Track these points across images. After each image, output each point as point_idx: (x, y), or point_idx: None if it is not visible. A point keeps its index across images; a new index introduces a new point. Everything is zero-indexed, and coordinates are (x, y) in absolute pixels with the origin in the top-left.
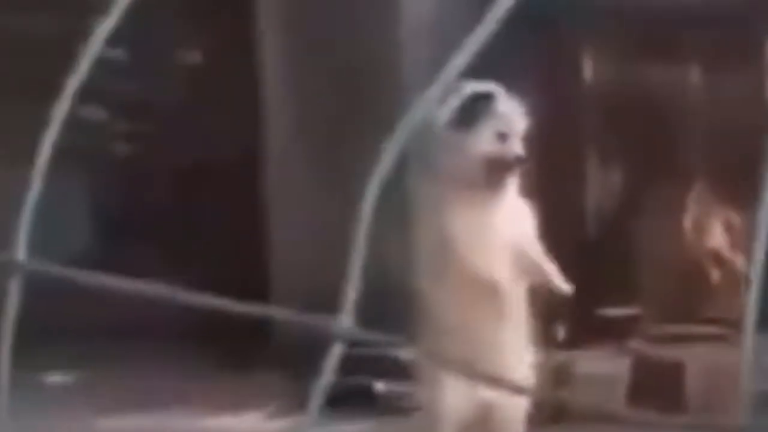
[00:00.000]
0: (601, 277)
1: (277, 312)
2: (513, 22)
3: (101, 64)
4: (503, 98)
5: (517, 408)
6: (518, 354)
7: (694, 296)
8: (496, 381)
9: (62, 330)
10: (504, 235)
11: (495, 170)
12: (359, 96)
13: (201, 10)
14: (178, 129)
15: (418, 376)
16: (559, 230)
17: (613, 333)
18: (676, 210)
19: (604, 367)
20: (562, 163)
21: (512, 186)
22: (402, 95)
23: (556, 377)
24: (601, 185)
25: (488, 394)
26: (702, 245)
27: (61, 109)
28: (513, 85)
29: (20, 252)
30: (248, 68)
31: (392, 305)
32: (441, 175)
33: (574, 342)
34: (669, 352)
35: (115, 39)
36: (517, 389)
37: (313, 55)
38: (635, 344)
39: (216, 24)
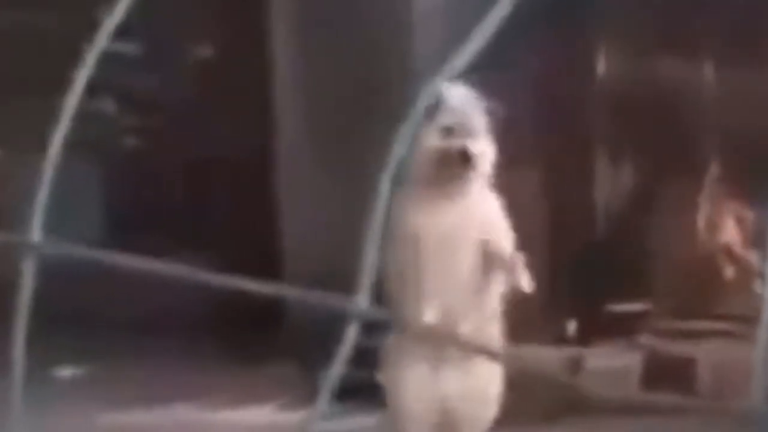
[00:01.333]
0: (613, 272)
1: (292, 291)
2: (527, 17)
3: (113, 58)
4: (455, 94)
5: (480, 409)
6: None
7: (706, 292)
8: (470, 345)
9: (73, 323)
10: (464, 230)
11: (444, 165)
12: (370, 87)
13: (212, 3)
14: (189, 122)
15: (384, 375)
16: (571, 225)
17: (624, 328)
18: (688, 205)
19: (615, 362)
20: (574, 158)
21: (474, 181)
22: (413, 86)
23: (567, 372)
24: (613, 180)
25: (450, 394)
26: (714, 241)
27: (71, 100)
28: (526, 79)
29: (35, 233)
30: (259, 61)
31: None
32: (397, 164)
33: (585, 337)
34: (680, 348)
35: (126, 33)
36: (491, 354)
37: (324, 48)
38: (646, 340)
39: (227, 17)
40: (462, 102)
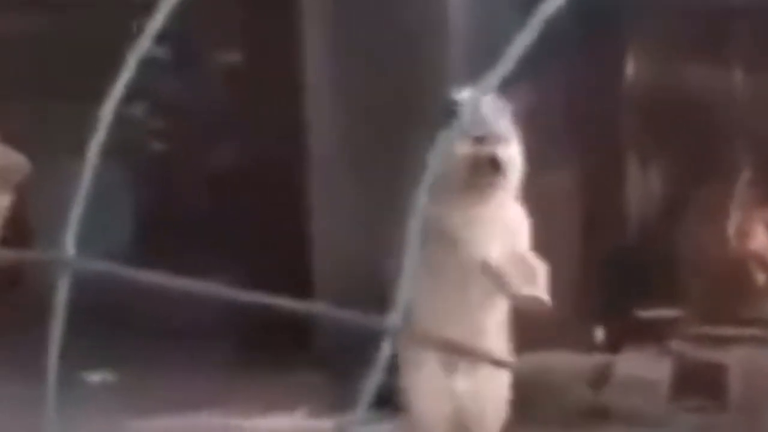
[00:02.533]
0: (643, 278)
1: (328, 310)
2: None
3: (142, 62)
4: (483, 102)
5: (494, 412)
6: (498, 345)
7: (736, 298)
8: (476, 352)
9: (104, 328)
10: (491, 236)
11: (474, 172)
12: (403, 94)
13: (243, 8)
14: (219, 128)
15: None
16: (600, 231)
17: (654, 334)
18: (718, 211)
19: (645, 368)
20: (604, 163)
21: (503, 188)
22: (447, 92)
23: (596, 379)
24: (643, 187)
25: (465, 397)
26: (744, 247)
27: (108, 109)
28: (557, 86)
29: (69, 248)
30: (290, 67)
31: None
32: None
33: (615, 344)
34: (710, 354)
35: (156, 37)
36: (499, 362)
37: (356, 53)
38: (676, 346)
39: (258, 22)
40: (491, 109)
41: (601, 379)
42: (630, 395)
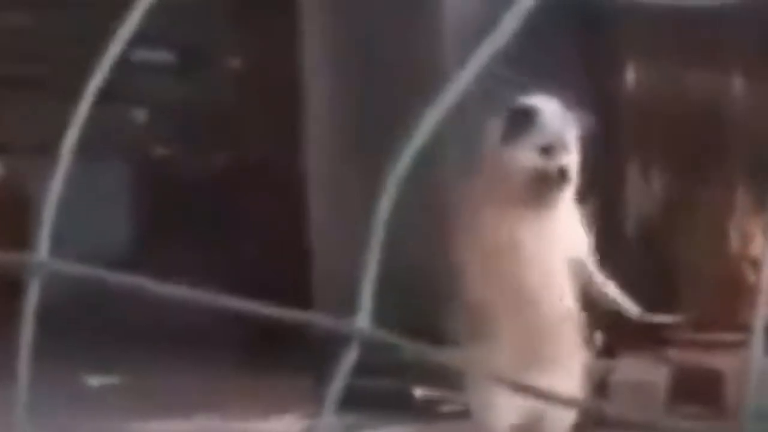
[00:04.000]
0: (641, 283)
1: (297, 315)
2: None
3: (144, 67)
4: (550, 111)
5: (565, 416)
6: (568, 367)
7: (735, 304)
8: (542, 393)
9: (104, 331)
10: (556, 252)
11: (540, 186)
12: (401, 96)
13: (242, 12)
14: (219, 131)
15: (465, 383)
16: (599, 235)
17: (652, 340)
18: (717, 217)
19: (643, 373)
20: (603, 167)
21: (564, 202)
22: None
23: (594, 384)
24: (642, 191)
25: (532, 410)
26: (743, 252)
27: (82, 109)
28: (556, 91)
29: (42, 250)
30: (290, 72)
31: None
32: (487, 191)
33: (612, 349)
34: (708, 360)
35: (154, 40)
36: (565, 402)
37: (355, 57)
38: (675, 351)
39: (257, 26)
40: (558, 121)
41: (598, 384)
42: (627, 400)
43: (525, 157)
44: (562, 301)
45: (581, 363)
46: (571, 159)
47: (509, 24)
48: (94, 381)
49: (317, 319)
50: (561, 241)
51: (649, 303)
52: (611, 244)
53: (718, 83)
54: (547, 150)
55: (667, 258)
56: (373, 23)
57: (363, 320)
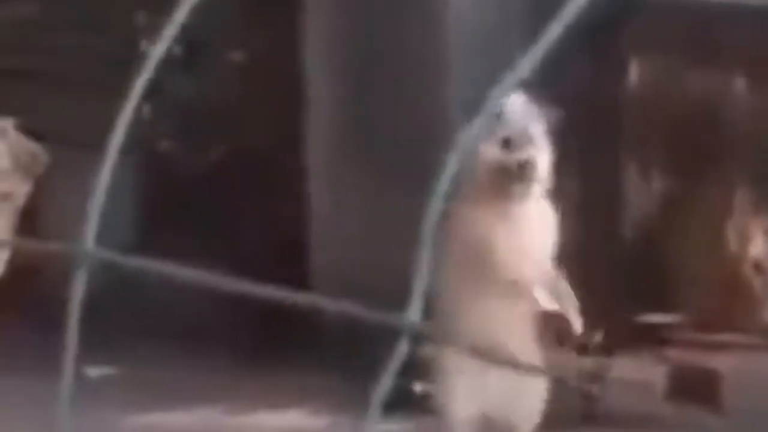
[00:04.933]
0: (639, 283)
1: (344, 305)
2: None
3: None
4: (513, 104)
5: (533, 407)
6: (529, 357)
7: (733, 304)
8: (514, 363)
9: (104, 322)
10: (523, 250)
11: (501, 180)
12: (403, 95)
13: (246, 7)
14: (222, 125)
15: (434, 380)
16: (598, 235)
17: (650, 340)
18: (716, 217)
19: (640, 373)
20: (602, 167)
21: (531, 199)
22: (447, 95)
23: (590, 382)
24: (641, 190)
25: (497, 402)
26: (742, 253)
27: (128, 108)
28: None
29: (88, 240)
30: (292, 67)
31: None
32: (463, 183)
33: (610, 348)
34: (706, 360)
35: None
36: (534, 370)
37: (358, 52)
38: (672, 351)
39: (261, 21)
40: (520, 111)
41: (593, 382)
42: (624, 399)
43: (487, 150)
44: (526, 300)
45: (537, 360)
46: (536, 154)
47: (556, 28)
48: (93, 372)
49: (363, 312)
50: (528, 239)
51: (647, 303)
52: (610, 243)
53: (719, 84)
54: (507, 143)
55: (665, 258)
56: (375, 19)
57: (414, 314)
